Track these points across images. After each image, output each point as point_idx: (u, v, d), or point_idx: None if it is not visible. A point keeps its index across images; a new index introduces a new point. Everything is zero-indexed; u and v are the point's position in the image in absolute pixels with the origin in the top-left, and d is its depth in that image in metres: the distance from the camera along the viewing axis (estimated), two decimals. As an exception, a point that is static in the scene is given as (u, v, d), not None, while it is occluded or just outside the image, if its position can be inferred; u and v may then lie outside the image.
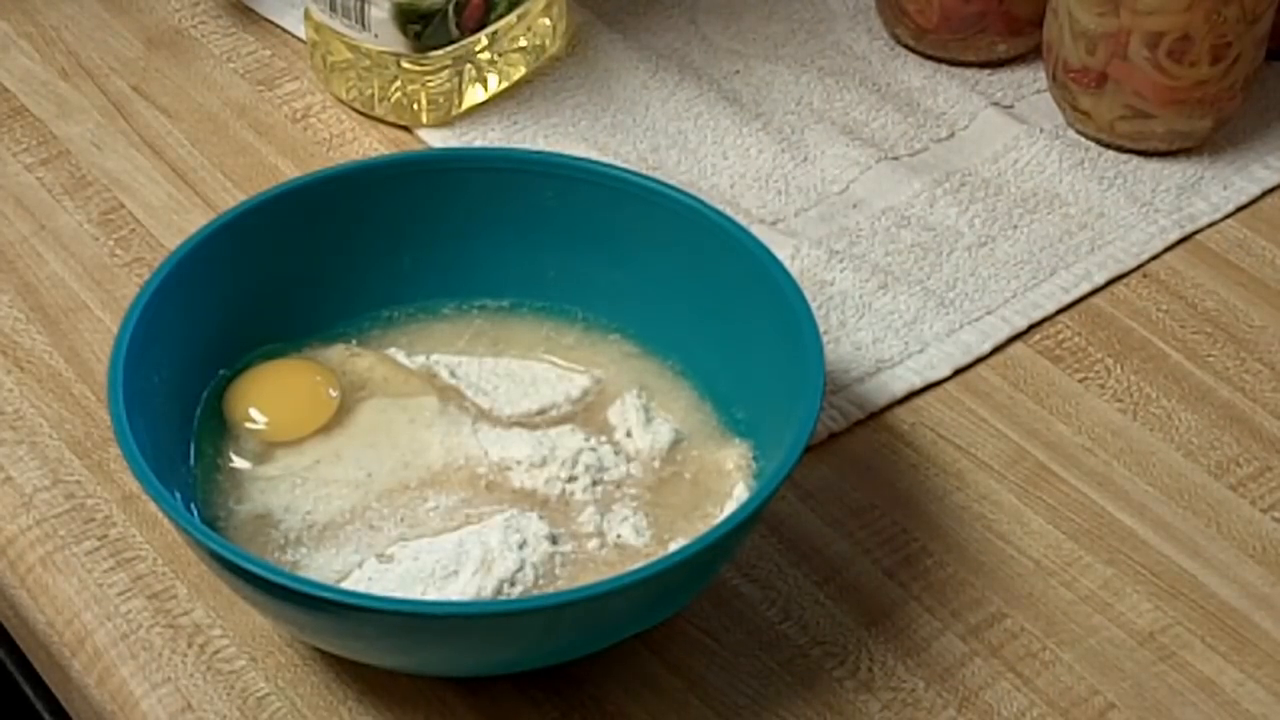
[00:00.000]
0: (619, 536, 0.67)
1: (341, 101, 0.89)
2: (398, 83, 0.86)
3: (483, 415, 0.71)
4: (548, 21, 0.91)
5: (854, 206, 0.85)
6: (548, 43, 0.91)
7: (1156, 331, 0.80)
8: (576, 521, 0.68)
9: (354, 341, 0.74)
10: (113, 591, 0.69)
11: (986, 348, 0.79)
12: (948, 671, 0.67)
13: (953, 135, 0.88)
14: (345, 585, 0.65)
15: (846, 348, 0.78)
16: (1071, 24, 0.85)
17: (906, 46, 0.93)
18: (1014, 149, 0.88)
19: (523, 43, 0.89)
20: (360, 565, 0.66)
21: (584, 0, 0.95)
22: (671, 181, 0.77)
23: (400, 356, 0.73)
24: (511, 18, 0.88)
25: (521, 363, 0.73)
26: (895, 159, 0.87)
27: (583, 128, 0.88)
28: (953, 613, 0.69)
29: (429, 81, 0.86)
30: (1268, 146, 0.88)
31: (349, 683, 0.66)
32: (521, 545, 0.66)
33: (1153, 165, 0.87)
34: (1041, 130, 0.88)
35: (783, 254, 0.80)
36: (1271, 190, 0.86)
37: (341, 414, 0.71)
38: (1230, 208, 0.85)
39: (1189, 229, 0.84)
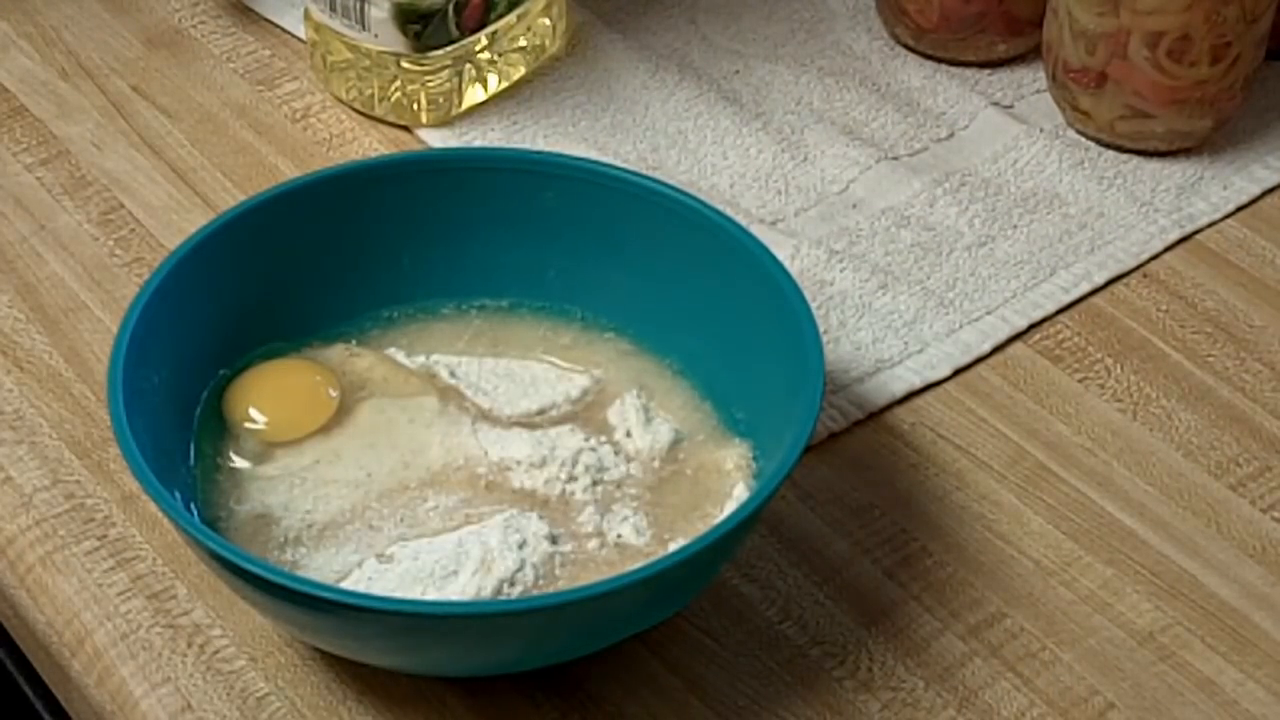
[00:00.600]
0: (619, 536, 0.67)
1: (341, 101, 0.89)
2: (397, 83, 0.86)
3: (482, 415, 0.71)
4: (548, 21, 0.91)
5: (854, 206, 0.85)
6: (548, 43, 0.91)
7: (1156, 331, 0.80)
8: (576, 521, 0.68)
9: (354, 341, 0.74)
10: (112, 591, 0.69)
11: (986, 348, 0.79)
12: (947, 671, 0.67)
13: (952, 135, 0.88)
14: (345, 585, 0.65)
15: (846, 348, 0.78)
16: (1071, 24, 0.85)
17: (906, 46, 0.93)
18: (1014, 149, 0.88)
19: (523, 43, 0.89)
20: (360, 565, 0.66)
21: (584, 0, 0.95)
22: (671, 181, 0.77)
23: (400, 356, 0.73)
24: (511, 18, 0.88)
25: (521, 363, 0.73)
26: (895, 159, 0.87)
27: (583, 128, 0.88)
28: (952, 613, 0.69)
29: (429, 81, 0.86)
30: (1268, 146, 0.88)
31: (349, 683, 0.66)
32: (521, 545, 0.66)
33: (1153, 165, 0.87)
34: (1041, 130, 0.88)
35: (783, 254, 0.80)
36: (1271, 190, 0.86)
37: (341, 414, 0.71)
38: (1230, 208, 0.85)
39: (1189, 229, 0.84)
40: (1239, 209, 0.85)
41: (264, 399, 0.71)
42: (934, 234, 0.83)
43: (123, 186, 0.85)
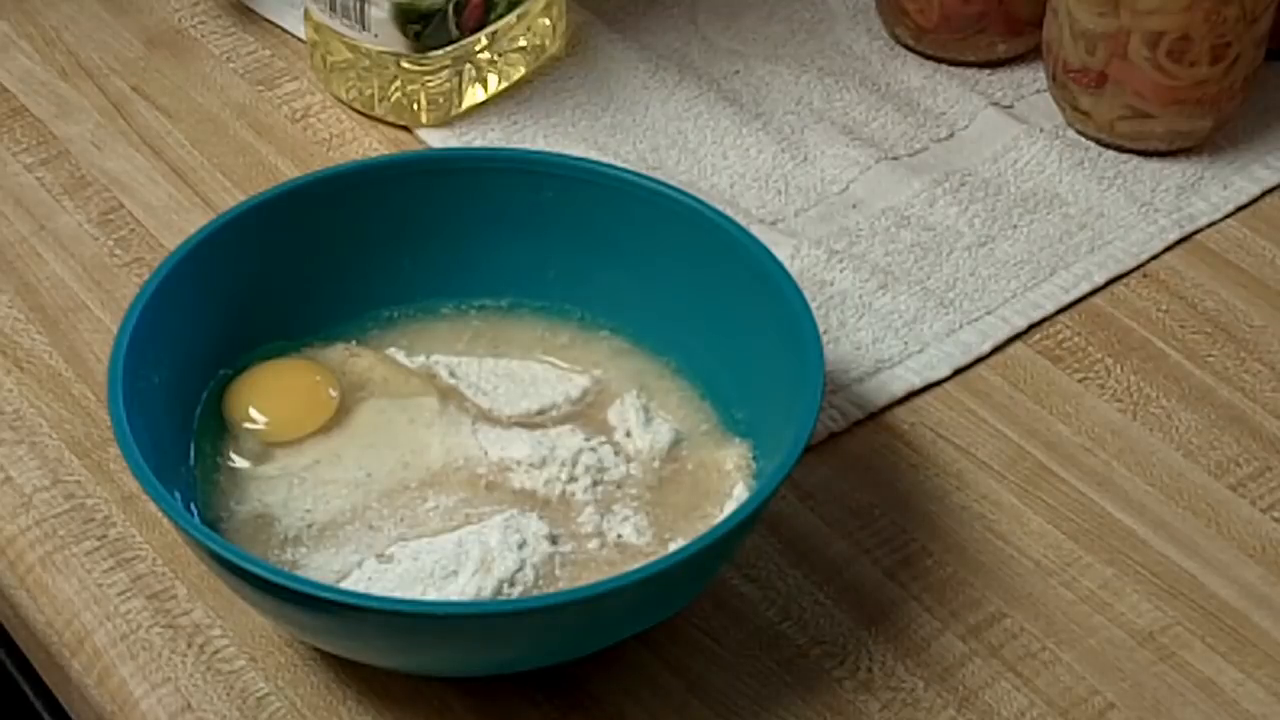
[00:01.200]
0: (619, 536, 0.67)
1: (341, 101, 0.89)
2: (397, 83, 0.86)
3: (482, 415, 0.71)
4: (547, 21, 0.91)
5: (854, 206, 0.85)
6: (547, 43, 0.91)
7: (1156, 331, 0.80)
8: (576, 522, 0.68)
9: (354, 341, 0.74)
10: (112, 591, 0.69)
11: (986, 348, 0.79)
12: (947, 671, 0.67)
13: (952, 135, 0.88)
14: (345, 585, 0.65)
15: (846, 348, 0.78)
16: (1071, 24, 0.85)
17: (906, 46, 0.93)
18: (1014, 149, 0.88)
19: (522, 43, 0.89)
20: (360, 565, 0.66)
21: (584, 0, 0.95)
22: (671, 181, 0.77)
23: (400, 356, 0.73)
24: (511, 18, 0.88)
25: (521, 363, 0.73)
26: (895, 159, 0.87)
27: (583, 128, 0.88)
28: (952, 613, 0.69)
29: (429, 81, 0.86)
30: (1268, 146, 0.88)
31: (349, 683, 0.66)
32: (521, 545, 0.66)
33: (1153, 165, 0.87)
34: (1041, 130, 0.88)
35: (783, 254, 0.80)
36: (1271, 190, 0.86)
37: (341, 414, 0.71)
38: (1230, 208, 0.85)
39: (1189, 229, 0.84)
40: (1239, 209, 0.85)
41: (264, 399, 0.71)
42: (934, 234, 0.83)
43: (123, 186, 0.85)
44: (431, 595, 0.65)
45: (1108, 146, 0.87)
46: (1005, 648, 0.68)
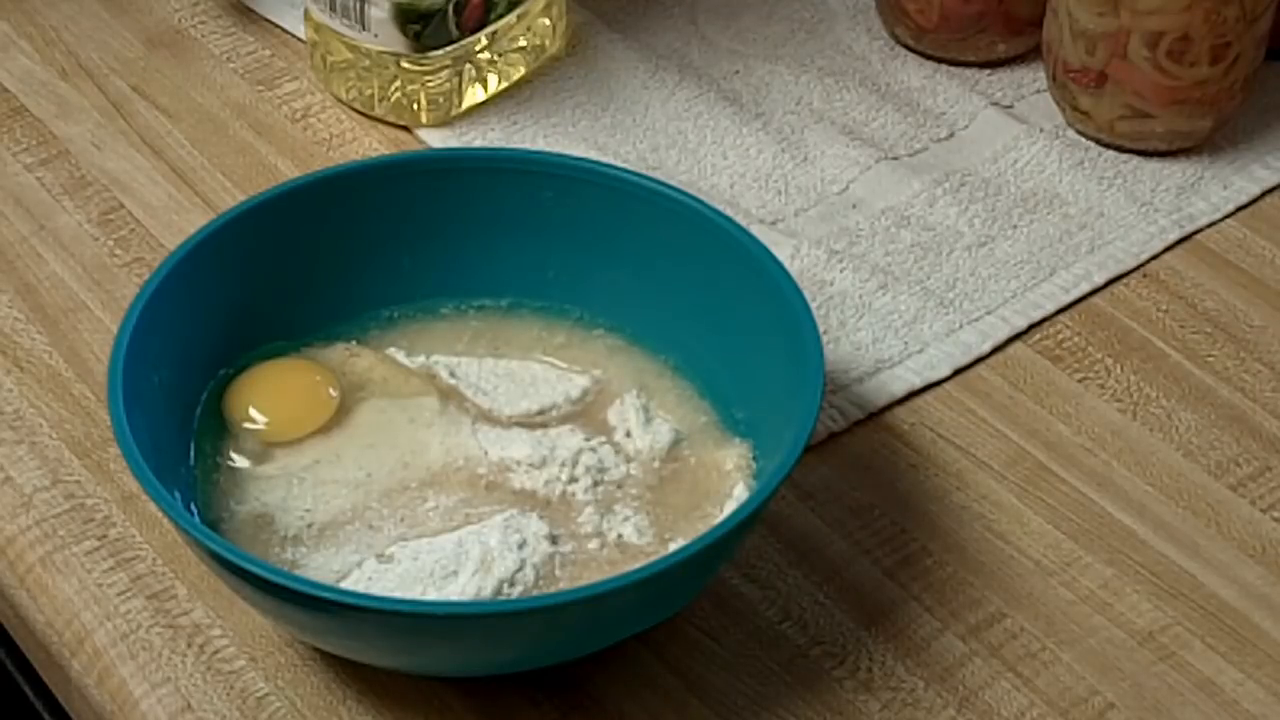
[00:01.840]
0: (619, 536, 0.67)
1: (341, 101, 0.89)
2: (397, 83, 0.87)
3: (483, 415, 0.71)
4: (547, 21, 0.91)
5: (854, 206, 0.85)
6: (547, 43, 0.91)
7: (1156, 331, 0.80)
8: (576, 522, 0.68)
9: (354, 341, 0.74)
10: (112, 591, 0.69)
11: (986, 348, 0.79)
12: (947, 671, 0.67)
13: (952, 135, 0.88)
14: (345, 585, 0.65)
15: (846, 348, 0.78)
16: (1071, 24, 0.85)
17: (906, 46, 0.93)
18: (1014, 149, 0.88)
19: (522, 43, 0.89)
20: (360, 565, 0.66)
21: (584, 0, 0.95)
22: (671, 181, 0.77)
23: (400, 356, 0.73)
24: (511, 18, 0.88)
25: (521, 363, 0.73)
26: (895, 159, 0.87)
27: (583, 128, 0.88)
28: (952, 613, 0.69)
29: (429, 81, 0.86)
30: (1268, 146, 0.88)
31: (349, 683, 0.66)
32: (521, 545, 0.66)
33: (1152, 165, 0.87)
34: (1041, 130, 0.88)
35: (783, 254, 0.80)
36: (1271, 190, 0.86)
37: (341, 414, 0.71)
38: (1230, 208, 0.85)
39: (1189, 229, 0.84)
40: (1239, 209, 0.85)
41: (264, 399, 0.71)
42: (934, 234, 0.83)
43: (123, 186, 0.85)
44: (431, 595, 0.65)
45: (1108, 146, 0.87)
46: (1005, 648, 0.68)
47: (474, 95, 0.88)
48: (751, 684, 0.67)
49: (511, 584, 0.65)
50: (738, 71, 0.92)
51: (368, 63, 0.87)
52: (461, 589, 0.65)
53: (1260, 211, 0.85)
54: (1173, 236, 0.84)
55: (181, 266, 0.70)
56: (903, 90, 0.91)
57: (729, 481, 0.69)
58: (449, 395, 0.72)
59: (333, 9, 0.86)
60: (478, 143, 0.87)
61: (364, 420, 0.71)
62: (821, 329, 0.70)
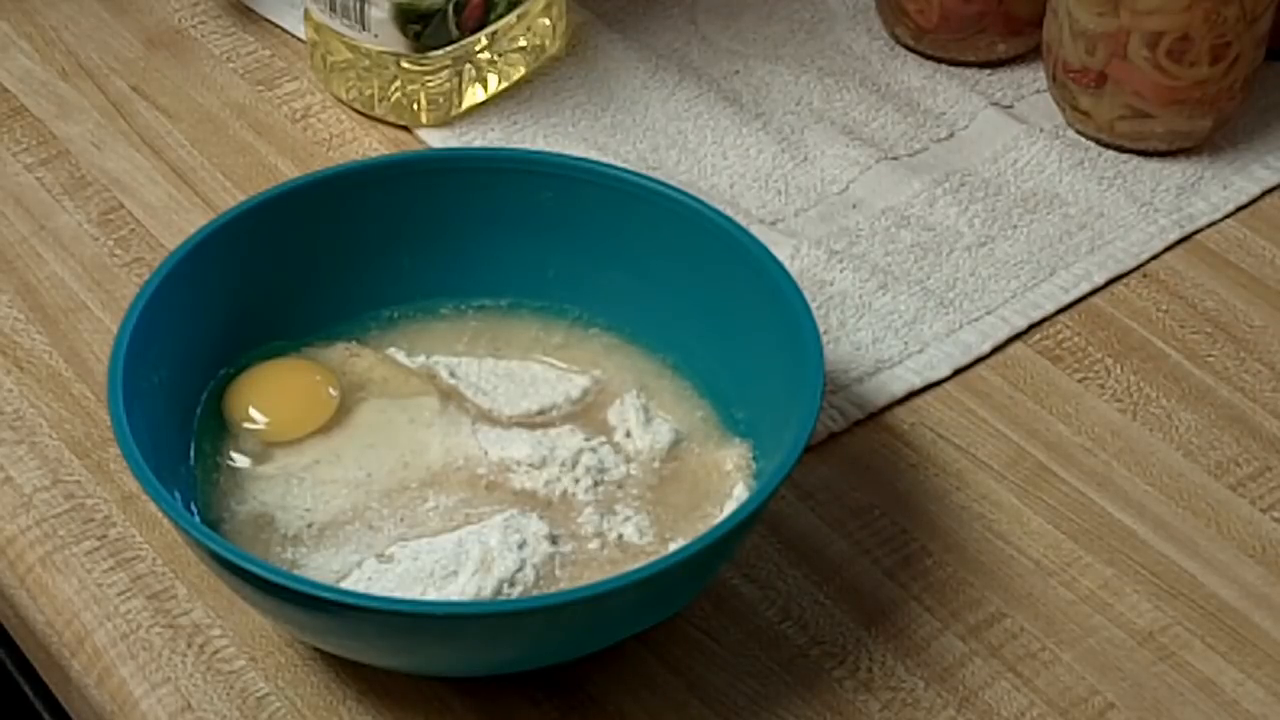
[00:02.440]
0: (620, 537, 0.67)
1: (341, 101, 0.89)
2: (397, 83, 0.87)
3: (483, 415, 0.71)
4: (547, 21, 0.91)
5: (854, 206, 0.85)
6: (547, 43, 0.91)
7: (1156, 331, 0.80)
8: (576, 522, 0.68)
9: (354, 341, 0.74)
10: (112, 591, 0.69)
11: (986, 348, 0.79)
12: (947, 671, 0.67)
13: (952, 135, 0.88)
14: (345, 585, 0.65)
15: (846, 348, 0.78)
16: (1071, 24, 0.85)
17: (906, 46, 0.93)
18: (1014, 149, 0.88)
19: (522, 43, 0.89)
20: (360, 565, 0.66)
21: (584, 0, 0.95)
22: (671, 181, 0.77)
23: (400, 356, 0.73)
24: (511, 18, 0.88)
25: (521, 363, 0.73)
26: (895, 159, 0.87)
27: (582, 128, 0.88)
28: (952, 613, 0.69)
29: (429, 81, 0.86)
30: (1268, 146, 0.88)
31: (349, 683, 0.67)
32: (521, 545, 0.66)
33: (1152, 165, 0.87)
34: (1041, 130, 0.88)
35: (783, 254, 0.80)
36: (1271, 190, 0.86)
37: (341, 414, 0.71)
38: (1230, 208, 0.85)
39: (1189, 229, 0.84)
40: (1239, 209, 0.85)
41: (264, 399, 0.71)
42: (934, 234, 0.83)
43: (123, 186, 0.85)
44: (431, 595, 0.65)
45: (1108, 146, 0.87)
46: (1005, 648, 0.68)
47: (474, 95, 0.88)
48: (751, 684, 0.67)
49: (511, 584, 0.65)
50: (738, 71, 0.92)
51: (368, 63, 0.87)
52: (461, 589, 0.65)
53: (1260, 211, 0.85)
54: (1173, 236, 0.84)
55: (181, 266, 0.70)
56: (903, 90, 0.91)
57: (729, 481, 0.69)
58: (449, 395, 0.72)
59: (333, 9, 0.86)
60: (478, 143, 0.87)
61: (364, 420, 0.71)
62: (821, 329, 0.70)
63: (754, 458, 0.69)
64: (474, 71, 0.88)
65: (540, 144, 0.87)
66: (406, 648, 0.64)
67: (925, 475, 0.74)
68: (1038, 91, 0.91)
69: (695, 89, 0.90)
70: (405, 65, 0.86)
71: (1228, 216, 0.85)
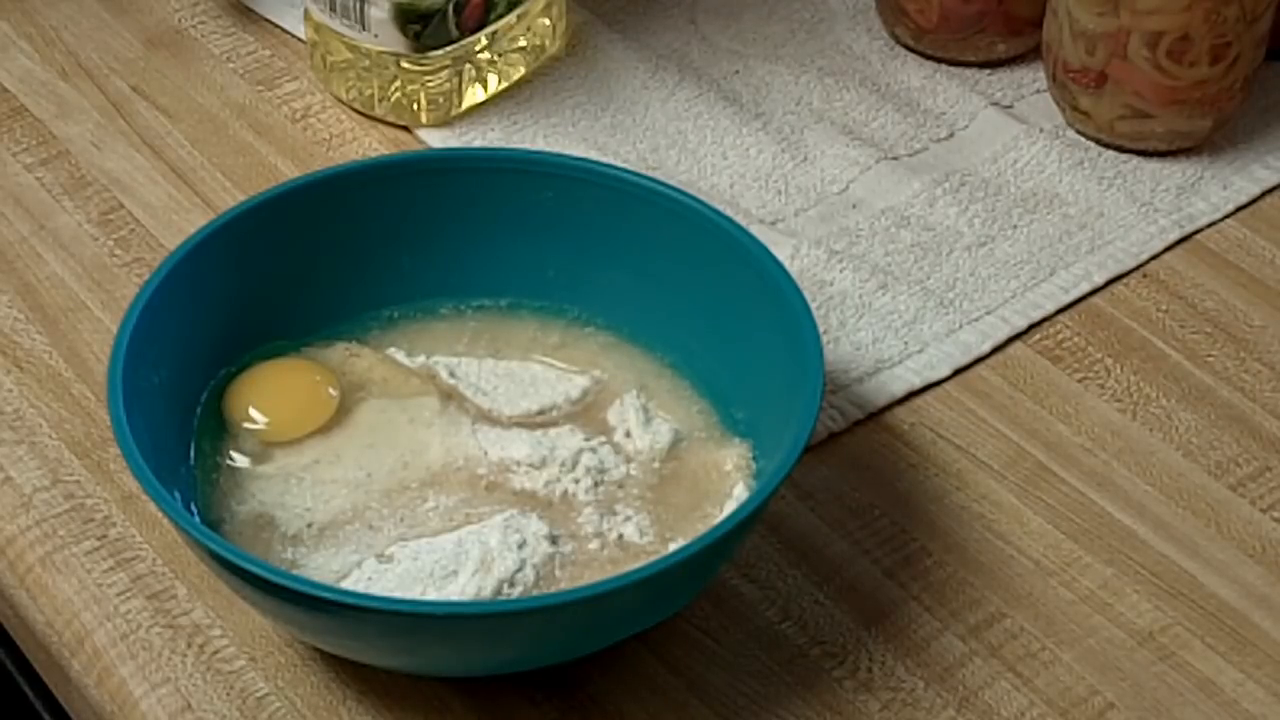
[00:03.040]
0: (620, 537, 0.67)
1: (341, 101, 0.89)
2: (397, 83, 0.87)
3: (482, 415, 0.71)
4: (547, 21, 0.91)
5: (854, 206, 0.85)
6: (547, 43, 0.91)
7: (1156, 331, 0.80)
8: (576, 522, 0.68)
9: (354, 341, 0.74)
10: (112, 591, 0.69)
11: (986, 348, 0.79)
12: (947, 671, 0.67)
13: (952, 135, 0.88)
14: (345, 585, 0.65)
15: (846, 348, 0.78)
16: (1071, 24, 0.85)
17: (906, 46, 0.93)
18: (1014, 149, 0.88)
19: (522, 43, 0.89)
20: (360, 565, 0.66)
21: (584, 0, 0.95)
22: (671, 181, 0.77)
23: (400, 356, 0.73)
24: (511, 18, 0.88)
25: (521, 363, 0.73)
26: (895, 159, 0.87)
27: (582, 128, 0.88)
28: (952, 613, 0.69)
29: (428, 81, 0.86)
30: (1268, 146, 0.88)
31: (349, 683, 0.67)
32: (521, 545, 0.66)
33: (1152, 165, 0.87)
34: (1041, 130, 0.88)
35: (783, 254, 0.80)
36: (1271, 190, 0.86)
37: (341, 414, 0.71)
38: (1230, 208, 0.85)
39: (1189, 229, 0.84)
40: (1239, 209, 0.85)
41: (264, 399, 0.71)
42: (934, 234, 0.83)
43: (123, 186, 0.85)
44: (431, 595, 0.65)
45: (1108, 146, 0.87)
46: (1005, 648, 0.68)
47: (474, 95, 0.88)
48: (751, 684, 0.67)
49: (511, 584, 0.65)
50: (738, 71, 0.92)
51: (368, 63, 0.87)
52: (461, 589, 0.65)
53: (1260, 211, 0.85)
54: (1173, 236, 0.84)
55: (181, 266, 0.70)
56: (903, 90, 0.91)
57: (729, 481, 0.69)
58: (449, 395, 0.72)
59: (333, 9, 0.86)
60: (478, 143, 0.87)
61: (364, 420, 0.71)
62: (821, 329, 0.70)
63: (754, 458, 0.69)
64: (474, 71, 0.88)
65: (540, 144, 0.87)
66: (406, 648, 0.64)
67: (925, 475, 0.74)
68: (1038, 91, 0.91)
69: (695, 89, 0.90)
70: (405, 65, 0.86)
71: (1228, 216, 0.85)
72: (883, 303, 0.80)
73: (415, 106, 0.87)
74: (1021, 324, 0.80)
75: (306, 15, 0.89)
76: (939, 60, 0.92)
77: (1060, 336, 0.79)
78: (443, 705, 0.66)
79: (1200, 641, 0.68)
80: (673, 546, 0.67)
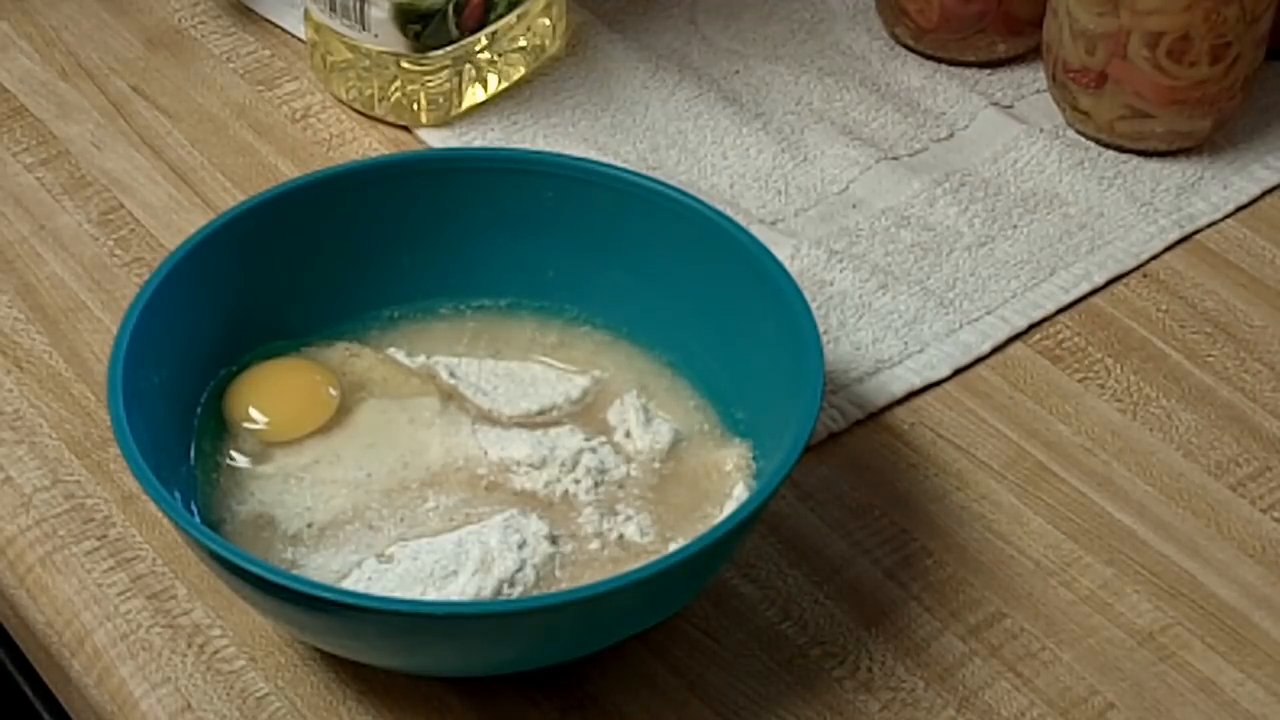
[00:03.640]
0: (620, 537, 0.67)
1: (341, 101, 0.89)
2: (397, 83, 0.87)
3: (482, 415, 0.71)
4: (547, 21, 0.91)
5: (854, 206, 0.85)
6: (547, 43, 0.91)
7: (1156, 331, 0.80)
8: (576, 522, 0.68)
9: (354, 341, 0.74)
10: (112, 591, 0.69)
11: (986, 348, 0.79)
12: (947, 671, 0.67)
13: (952, 135, 0.88)
14: (345, 585, 0.65)
15: (846, 348, 0.78)
16: (1071, 24, 0.85)
17: (906, 46, 0.93)
18: (1014, 149, 0.88)
19: (522, 43, 0.89)
20: (360, 565, 0.66)
21: (584, 0, 0.95)
22: (671, 181, 0.77)
23: (400, 356, 0.73)
24: (511, 18, 0.88)
25: (521, 363, 0.73)
26: (895, 159, 0.87)
27: (582, 128, 0.88)
28: (952, 613, 0.69)
29: (428, 81, 0.86)
30: (1268, 146, 0.88)
31: (349, 683, 0.67)
32: (521, 545, 0.66)
33: (1152, 165, 0.87)
34: (1041, 130, 0.88)
35: (783, 254, 0.80)
36: (1271, 190, 0.86)
37: (341, 414, 0.71)
38: (1230, 208, 0.85)
39: (1189, 229, 0.84)
40: (1239, 209, 0.85)
41: (264, 399, 0.71)
42: (934, 234, 0.83)
43: (123, 186, 0.85)
44: (431, 595, 0.65)
45: (1108, 146, 0.87)
46: (1005, 648, 0.68)
47: (474, 95, 0.88)
48: (751, 684, 0.67)
49: (511, 584, 0.65)
50: (738, 71, 0.92)
51: (368, 63, 0.87)
52: (461, 589, 0.65)
53: (1260, 211, 0.85)
54: (1173, 236, 0.84)
55: (181, 266, 0.70)
56: (903, 90, 0.91)
57: (729, 481, 0.69)
58: (449, 395, 0.72)
59: (333, 9, 0.86)
60: (478, 143, 0.87)
61: (364, 420, 0.71)
62: (821, 329, 0.70)
63: (754, 458, 0.69)
64: (474, 71, 0.88)
65: (540, 144, 0.87)
66: (406, 648, 0.64)
67: (925, 475, 0.74)
68: (1038, 91, 0.91)
69: (695, 89, 0.90)
70: (405, 65, 0.86)
71: (1228, 216, 0.85)
72: (883, 303, 0.80)
73: (415, 106, 0.87)
74: (1021, 324, 0.80)
75: (306, 15, 0.89)
76: (939, 60, 0.92)
77: (1060, 336, 0.79)
78: (443, 705, 0.66)
79: (1200, 641, 0.68)
80: (673, 546, 0.67)
